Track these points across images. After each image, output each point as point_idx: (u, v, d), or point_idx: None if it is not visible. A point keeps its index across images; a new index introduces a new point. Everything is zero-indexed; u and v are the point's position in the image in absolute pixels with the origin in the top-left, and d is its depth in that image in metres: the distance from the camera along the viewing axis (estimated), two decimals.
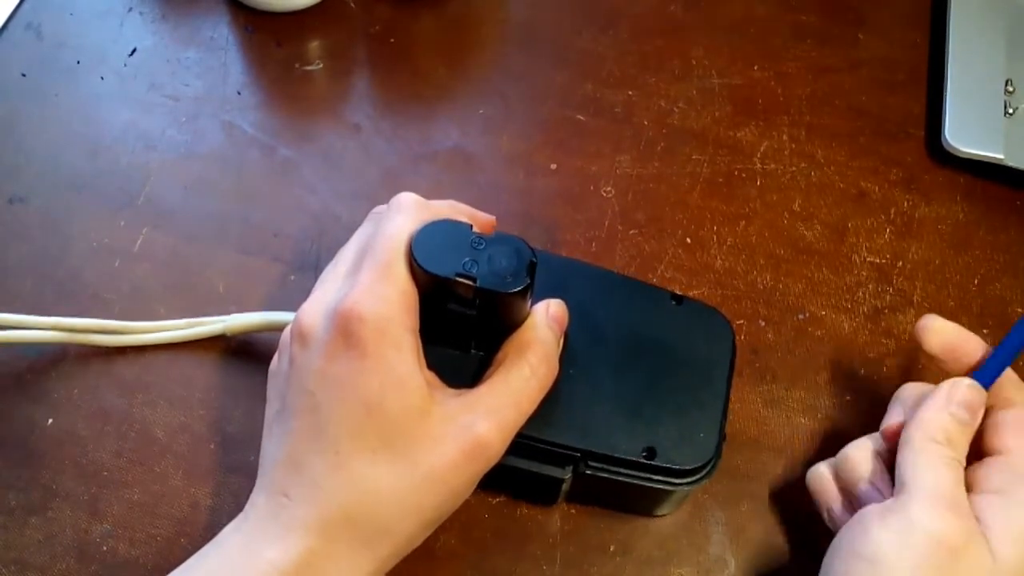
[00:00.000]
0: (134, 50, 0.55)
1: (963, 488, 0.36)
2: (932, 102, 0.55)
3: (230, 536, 0.34)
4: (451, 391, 0.35)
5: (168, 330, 0.46)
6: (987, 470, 0.37)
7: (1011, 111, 0.53)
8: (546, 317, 0.37)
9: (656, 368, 0.39)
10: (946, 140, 0.52)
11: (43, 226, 0.49)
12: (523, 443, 0.37)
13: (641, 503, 0.42)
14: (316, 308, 0.35)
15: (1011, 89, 0.54)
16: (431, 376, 0.35)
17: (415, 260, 0.33)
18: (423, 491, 0.33)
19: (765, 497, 0.44)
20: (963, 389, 0.37)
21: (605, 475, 0.38)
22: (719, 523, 0.43)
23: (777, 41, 0.57)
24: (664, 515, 0.43)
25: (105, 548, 0.41)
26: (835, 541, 0.37)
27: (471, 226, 0.34)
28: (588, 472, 0.38)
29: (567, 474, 0.39)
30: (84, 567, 0.41)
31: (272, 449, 0.35)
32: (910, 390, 0.40)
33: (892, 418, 0.39)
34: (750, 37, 0.57)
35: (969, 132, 0.52)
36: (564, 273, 0.41)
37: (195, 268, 0.48)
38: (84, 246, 0.48)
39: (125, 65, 0.54)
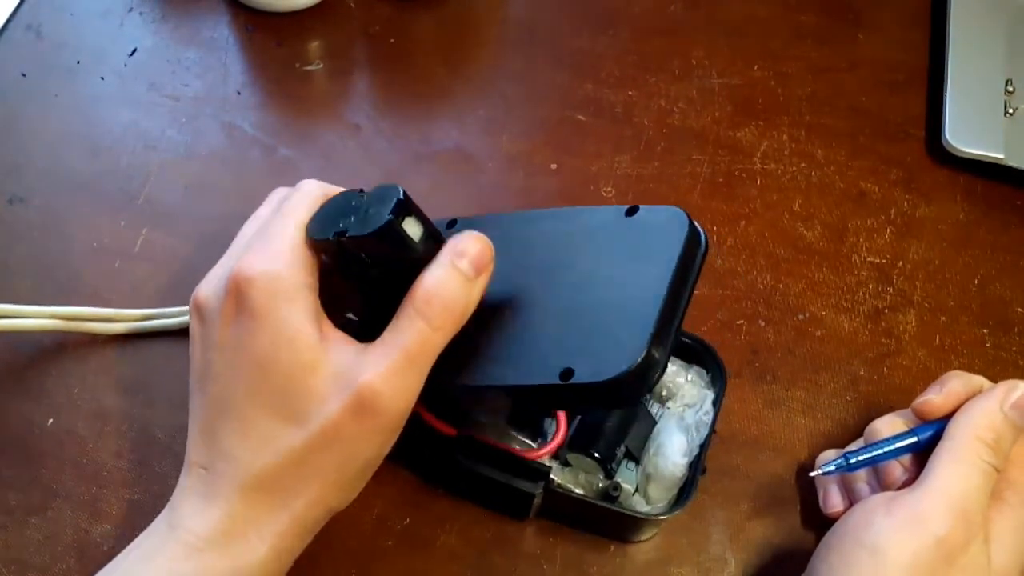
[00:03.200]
0: (134, 50, 0.55)
1: (986, 497, 0.35)
2: (932, 102, 0.55)
3: (161, 517, 0.35)
4: (358, 347, 0.34)
5: (165, 317, 0.46)
6: (1013, 481, 0.37)
7: (1011, 111, 0.53)
8: (447, 255, 0.33)
9: (590, 288, 0.35)
10: (946, 140, 0.52)
11: (43, 226, 0.49)
12: (489, 451, 0.38)
13: (609, 526, 0.42)
14: (209, 282, 0.36)
15: (1011, 89, 0.54)
16: (339, 335, 0.34)
17: (307, 234, 0.34)
18: (318, 449, 0.33)
19: (765, 497, 0.44)
20: (1022, 392, 0.37)
21: (565, 494, 0.38)
22: (719, 523, 0.43)
23: (777, 41, 0.57)
24: (640, 541, 0.42)
25: (105, 548, 0.41)
26: (836, 527, 0.37)
27: (361, 190, 0.35)
28: (557, 489, 0.38)
29: (538, 489, 0.39)
30: (84, 567, 0.41)
31: (191, 425, 0.36)
32: (957, 379, 0.39)
33: (928, 395, 0.38)
34: (750, 37, 0.57)
35: (969, 132, 0.52)
36: (512, 227, 0.38)
37: (195, 268, 0.48)
38: (84, 246, 0.48)
39: (125, 65, 0.54)
